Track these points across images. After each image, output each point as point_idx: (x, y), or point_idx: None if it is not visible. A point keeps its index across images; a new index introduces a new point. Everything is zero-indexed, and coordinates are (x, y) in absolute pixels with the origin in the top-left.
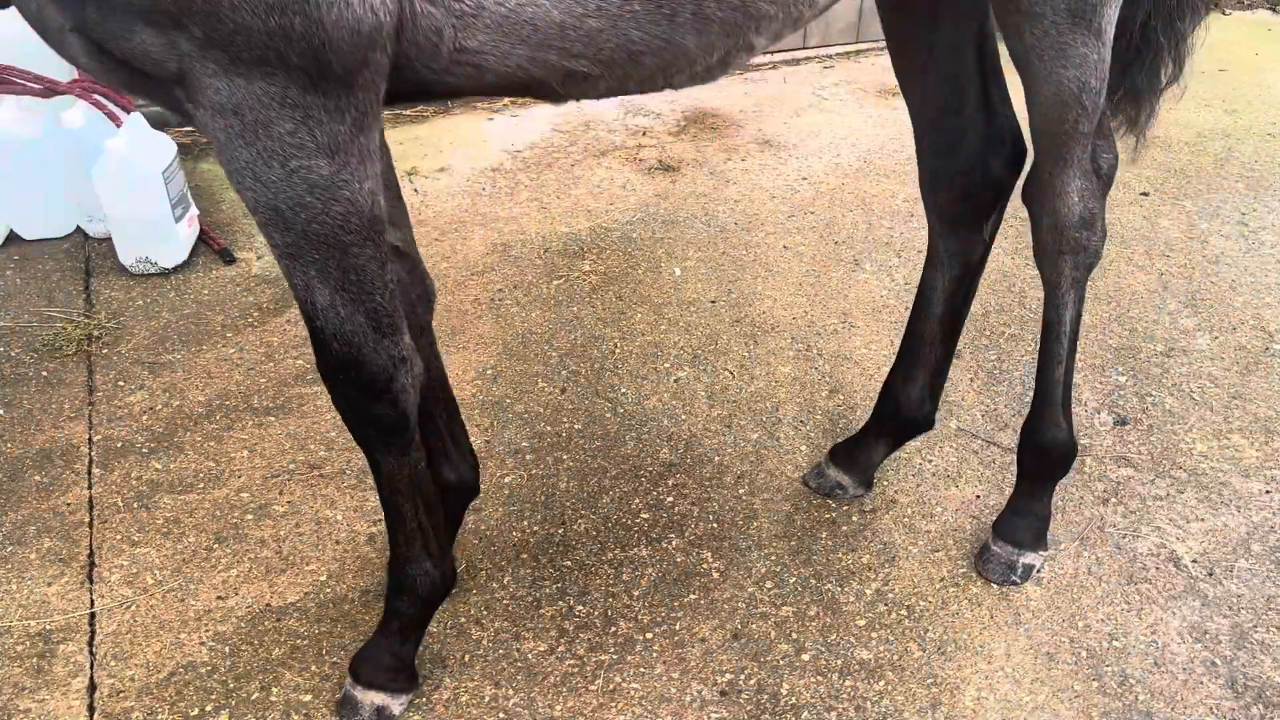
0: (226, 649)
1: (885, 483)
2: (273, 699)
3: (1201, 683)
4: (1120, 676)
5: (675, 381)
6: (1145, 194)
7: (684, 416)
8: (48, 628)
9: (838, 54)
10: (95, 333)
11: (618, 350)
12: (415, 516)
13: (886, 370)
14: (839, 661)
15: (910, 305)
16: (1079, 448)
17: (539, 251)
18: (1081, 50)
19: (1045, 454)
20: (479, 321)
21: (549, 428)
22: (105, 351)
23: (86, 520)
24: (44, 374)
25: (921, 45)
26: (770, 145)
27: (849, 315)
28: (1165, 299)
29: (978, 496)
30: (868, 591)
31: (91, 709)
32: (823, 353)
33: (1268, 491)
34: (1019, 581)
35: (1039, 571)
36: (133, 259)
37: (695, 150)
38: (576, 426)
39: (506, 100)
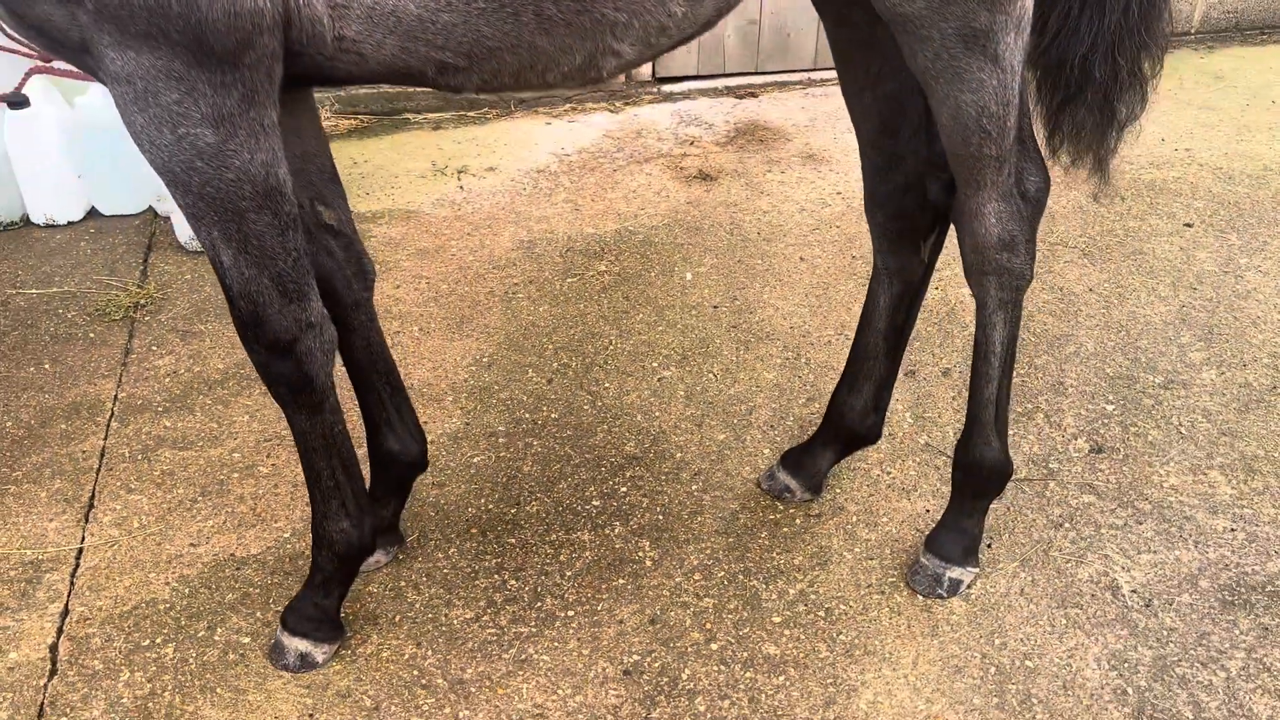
0: (187, 590)
1: (838, 489)
2: (216, 638)
3: (1107, 709)
4: (1023, 695)
5: (659, 380)
6: (1189, 225)
7: (658, 414)
8: (40, 558)
9: None
10: (143, 301)
11: (611, 347)
12: (332, 476)
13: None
14: (745, 654)
15: (920, 326)
16: (1013, 469)
17: (561, 250)
18: (978, 75)
19: (975, 472)
20: (488, 312)
21: (527, 415)
22: (147, 319)
23: (95, 467)
24: (90, 335)
25: (861, 63)
26: (813, 159)
27: (846, 328)
28: (1179, 331)
29: (927, 510)
30: (791, 591)
31: (60, 631)
32: (810, 362)
33: (1232, 529)
34: (945, 595)
35: (968, 587)
36: (186, 236)
37: (738, 161)
38: (553, 415)
39: (567, 105)
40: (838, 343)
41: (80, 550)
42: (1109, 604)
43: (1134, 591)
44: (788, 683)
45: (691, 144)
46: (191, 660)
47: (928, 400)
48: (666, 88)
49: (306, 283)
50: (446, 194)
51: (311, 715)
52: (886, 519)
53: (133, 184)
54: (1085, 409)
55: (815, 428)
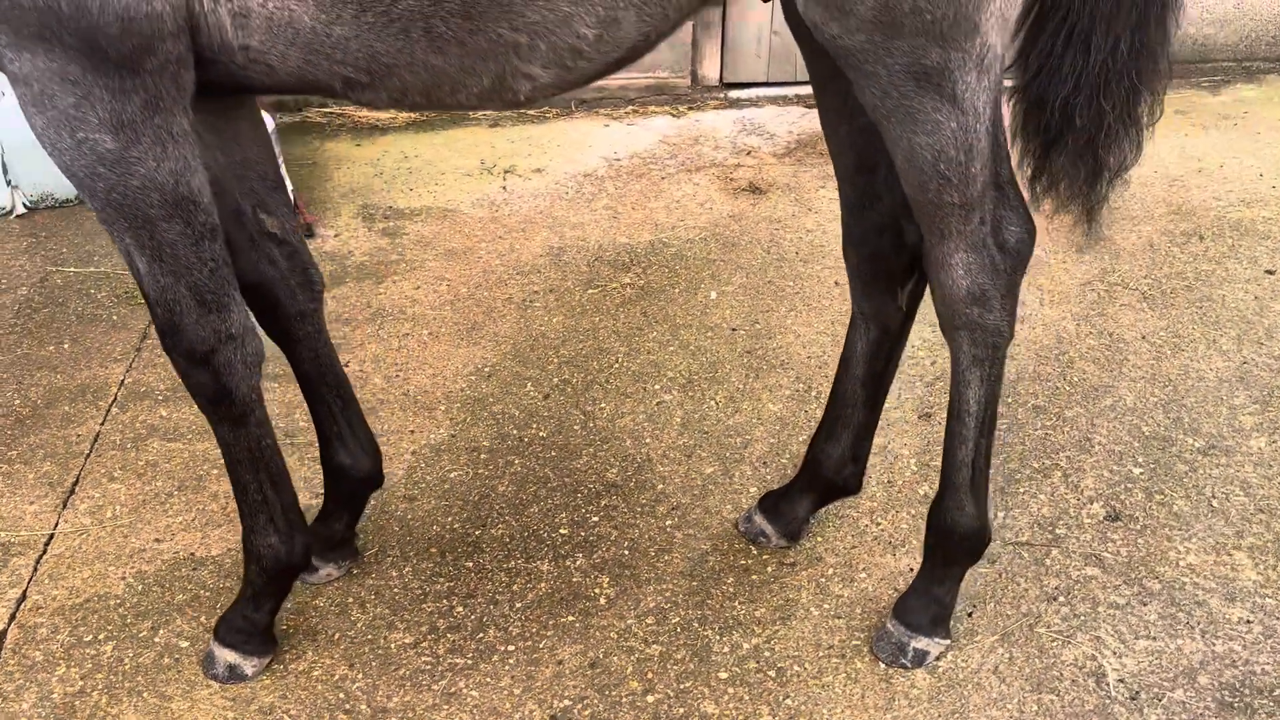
0: (140, 587)
1: (820, 537)
2: (156, 639)
3: None
4: None
5: (657, 404)
6: (1270, 272)
7: (649, 440)
8: (12, 540)
9: None
10: None
11: (617, 365)
12: (260, 490)
13: (883, 420)
14: (681, 710)
15: (940, 361)
16: (990, 536)
17: (590, 260)
18: (934, 117)
19: (947, 538)
20: (501, 320)
21: (514, 431)
22: None
23: (85, 452)
24: (114, 318)
25: (837, 94)
26: None
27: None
28: (1234, 390)
29: (911, 569)
30: (745, 646)
31: (12, 618)
32: (820, 396)
33: (1248, 621)
34: (908, 665)
35: (936, 659)
36: None
37: (793, 175)
38: (541, 434)
39: (630, 107)
40: None
41: (51, 537)
42: (1090, 692)
43: (1121, 681)
44: None
45: (748, 154)
46: (127, 661)
47: (937, 448)
48: (733, 94)
49: (226, 294)
50: (488, 194)
51: None
52: (865, 574)
53: None
54: (1109, 470)
55: None
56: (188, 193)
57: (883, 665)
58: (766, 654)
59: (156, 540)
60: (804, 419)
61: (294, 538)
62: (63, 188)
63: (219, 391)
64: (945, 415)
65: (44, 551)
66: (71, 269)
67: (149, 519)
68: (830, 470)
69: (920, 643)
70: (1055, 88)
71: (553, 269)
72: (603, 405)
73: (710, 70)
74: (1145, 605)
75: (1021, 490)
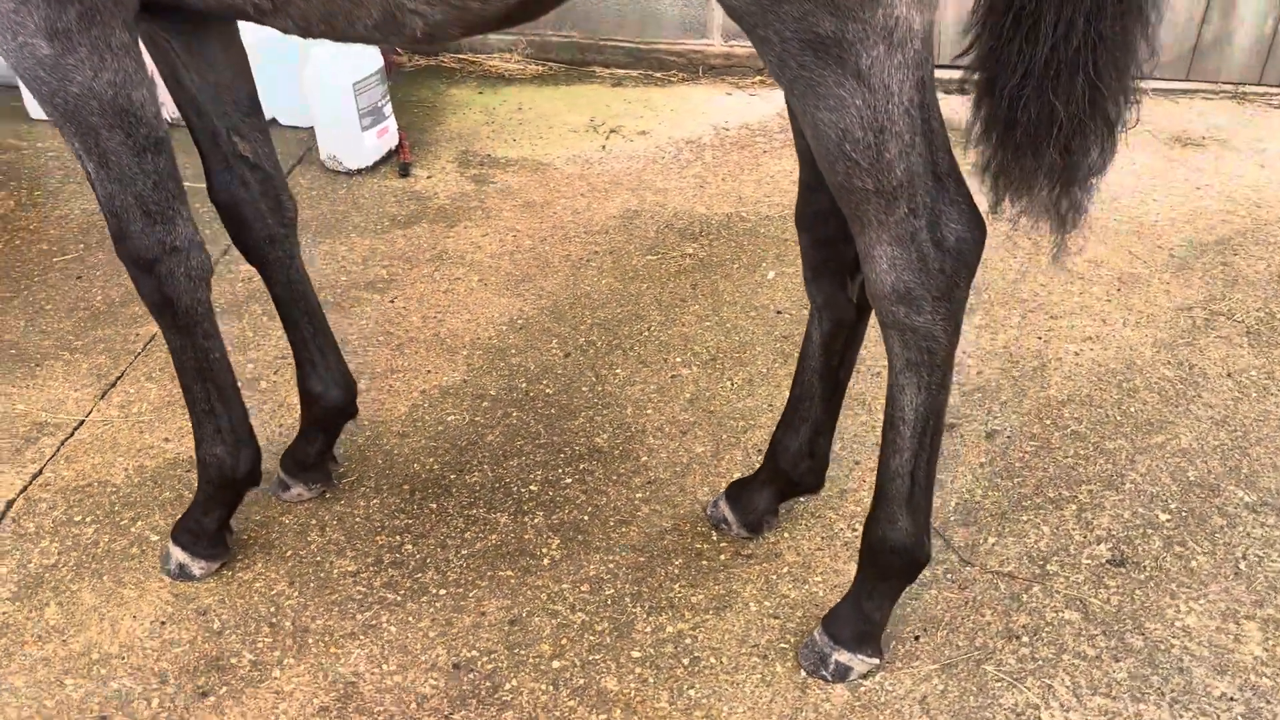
0: (136, 480)
1: (788, 534)
2: (133, 530)
3: None
4: None
5: (672, 377)
6: None
7: (650, 411)
8: (48, 421)
9: (1167, 90)
10: None
11: (647, 333)
12: (206, 400)
13: None
14: (581, 681)
15: (998, 378)
16: (927, 557)
17: (660, 226)
18: (837, 92)
19: (877, 552)
20: (551, 276)
21: (524, 384)
22: None
23: (136, 351)
24: (206, 232)
25: None
26: None
27: None
28: None
29: None
30: (669, 629)
31: (24, 489)
32: (848, 393)
33: (1232, 699)
34: (828, 679)
35: (860, 677)
36: (326, 155)
37: None
38: (548, 391)
39: (758, 77)
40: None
41: (81, 423)
42: None
43: None
44: None
45: None
46: (101, 545)
47: (953, 461)
48: None
49: (172, 207)
50: (585, 152)
51: (162, 622)
52: (820, 579)
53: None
54: (1132, 512)
55: None
56: (127, 105)
57: (804, 673)
58: (688, 641)
59: (165, 440)
60: (866, 404)
61: (240, 452)
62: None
63: (162, 300)
64: (972, 430)
65: (70, 435)
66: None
67: (166, 420)
68: (786, 463)
69: (843, 656)
70: (1003, 76)
71: (620, 231)
72: (618, 371)
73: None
74: (1117, 661)
75: (1024, 518)
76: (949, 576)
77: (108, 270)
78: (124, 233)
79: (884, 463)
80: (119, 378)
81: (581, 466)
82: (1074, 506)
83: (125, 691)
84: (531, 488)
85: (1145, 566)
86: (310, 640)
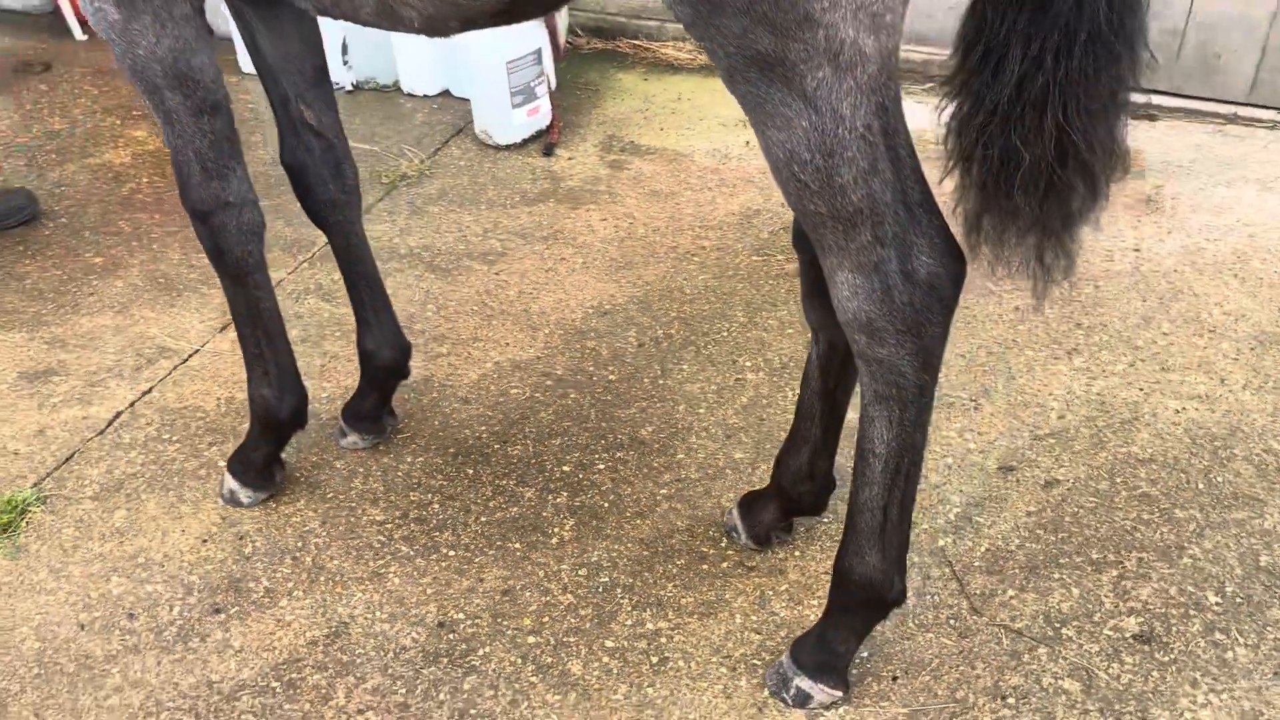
0: (224, 409)
1: (798, 552)
2: (207, 454)
3: None
4: None
5: (735, 379)
6: None
7: (701, 411)
8: (169, 346)
9: None
10: (411, 174)
11: (724, 334)
12: (256, 345)
13: (953, 457)
14: (550, 660)
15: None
16: (905, 597)
17: (776, 228)
18: (783, 111)
19: (843, 585)
20: (653, 266)
21: (591, 368)
22: (405, 189)
23: None
24: None
25: None
26: (1150, 206)
27: (990, 394)
28: None
29: None
30: (649, 626)
31: (132, 404)
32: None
33: None
34: (788, 703)
35: (823, 707)
36: (479, 129)
37: None
38: (611, 378)
39: (929, 85)
40: (964, 406)
41: (196, 351)
42: None
43: None
44: (558, 706)
45: None
46: (177, 463)
47: (998, 505)
48: None
49: (227, 165)
50: (727, 146)
51: (204, 540)
52: (817, 603)
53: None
54: (1180, 588)
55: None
56: (186, 70)
57: (766, 693)
58: (663, 640)
59: None
60: None
61: (284, 396)
62: (386, 73)
63: (215, 249)
64: (1020, 471)
65: (184, 361)
66: (354, 143)
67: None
68: (787, 482)
69: (804, 683)
70: (971, 110)
71: (735, 229)
72: (684, 367)
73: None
74: None
75: (1056, 575)
76: (952, 622)
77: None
78: (185, 185)
79: (854, 493)
80: None
81: (618, 455)
82: (1115, 572)
83: (155, 595)
84: (565, 468)
85: (1173, 648)
86: (322, 578)
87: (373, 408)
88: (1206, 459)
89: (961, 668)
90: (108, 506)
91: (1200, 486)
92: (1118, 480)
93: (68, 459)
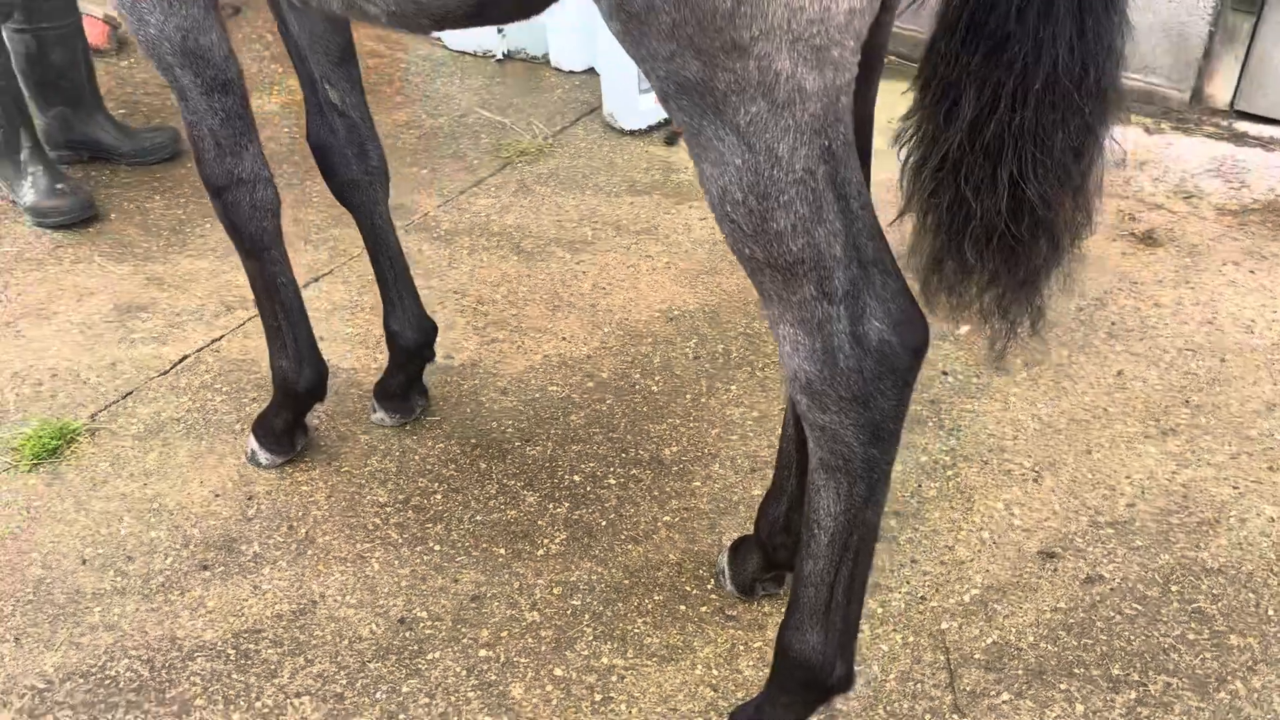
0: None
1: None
2: (247, 409)
3: None
4: None
5: (779, 410)
6: None
7: (734, 438)
8: (248, 297)
9: None
10: (531, 150)
11: None
12: (274, 318)
13: (990, 532)
14: (494, 678)
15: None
16: (851, 684)
17: None
18: (716, 146)
19: (781, 658)
20: (736, 275)
21: (637, 375)
22: (519, 164)
23: (352, 255)
24: (475, 161)
25: None
26: None
27: (1056, 467)
28: None
29: (844, 700)
30: (604, 661)
31: (198, 350)
32: (972, 486)
33: None
34: None
35: None
36: (607, 112)
37: (1218, 238)
38: (653, 388)
39: None
40: (1018, 480)
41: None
42: None
43: None
44: None
45: (1186, 198)
46: (218, 415)
47: (1025, 594)
48: (1243, 126)
49: (239, 142)
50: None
51: (216, 495)
52: None
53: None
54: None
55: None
56: (195, 49)
57: None
58: (614, 678)
59: (320, 339)
60: (919, 489)
61: (302, 369)
62: (537, 45)
63: (230, 225)
64: (1062, 560)
65: (255, 315)
66: (487, 112)
67: (329, 322)
68: (765, 533)
69: None
70: (924, 155)
71: None
72: (732, 388)
73: (1220, 91)
74: None
75: (1062, 687)
76: (927, 716)
77: None
78: (200, 160)
79: (799, 565)
80: (322, 276)
81: (632, 472)
82: (1134, 694)
83: (155, 542)
84: (575, 477)
85: None
86: (309, 552)
87: (400, 387)
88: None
89: None
90: (145, 447)
91: (1270, 613)
92: (1172, 589)
93: (127, 395)
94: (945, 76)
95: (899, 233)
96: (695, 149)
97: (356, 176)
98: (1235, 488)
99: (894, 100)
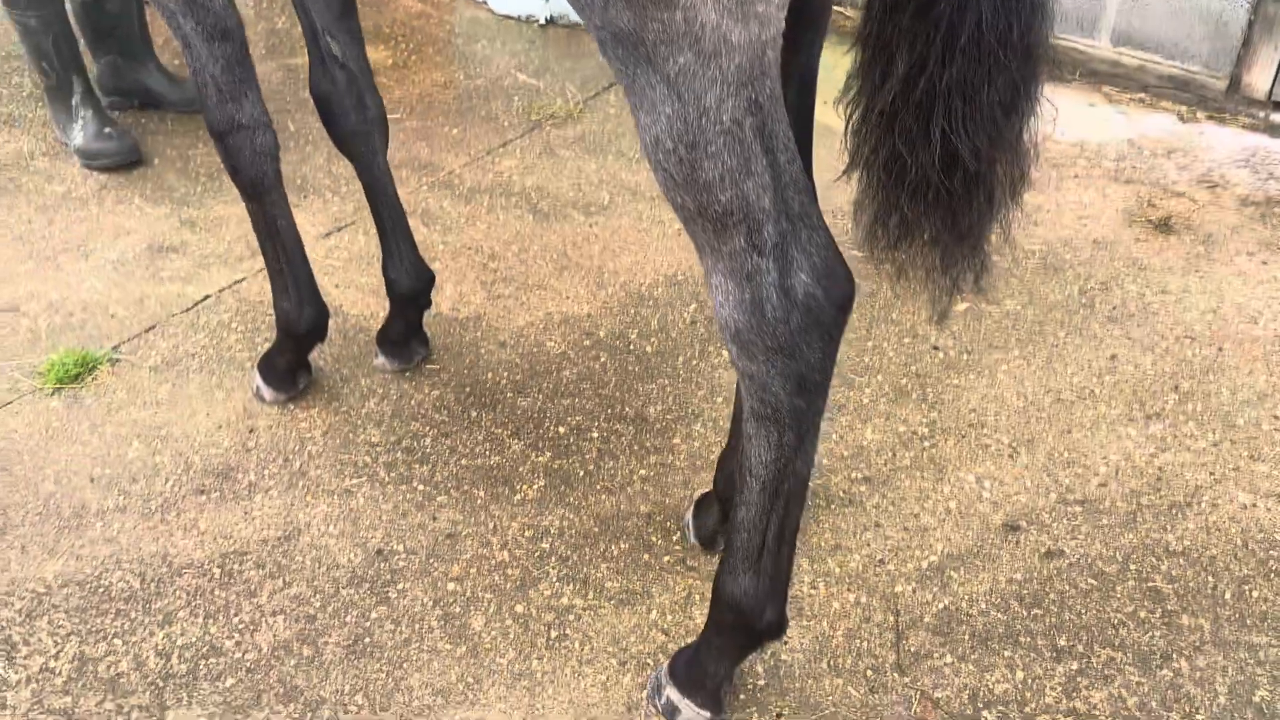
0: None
1: None
2: (259, 349)
3: None
4: None
5: None
6: None
7: (719, 400)
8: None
9: None
10: (560, 115)
11: None
12: (275, 260)
13: (958, 502)
14: (458, 609)
15: (1123, 499)
16: (781, 630)
17: None
18: (648, 93)
19: (716, 603)
20: None
21: (634, 336)
22: (549, 128)
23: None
24: (506, 123)
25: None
26: None
27: (1034, 445)
28: None
29: (785, 661)
30: (564, 601)
31: (220, 291)
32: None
33: None
34: (658, 710)
35: None
36: None
37: (1235, 228)
38: (648, 349)
39: (1141, 95)
40: (993, 455)
41: (327, 234)
42: None
43: None
44: (444, 655)
45: (1210, 188)
46: (231, 352)
47: (981, 563)
48: (1279, 117)
49: (240, 90)
50: None
51: (220, 426)
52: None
53: None
54: (1143, 703)
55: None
56: None
57: (644, 694)
58: (570, 618)
59: (336, 286)
60: (893, 457)
61: (303, 307)
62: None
63: (233, 168)
64: (1025, 534)
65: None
66: (524, 75)
67: (341, 271)
68: (721, 485)
69: (673, 695)
70: (864, 112)
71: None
72: (724, 352)
73: (1259, 80)
74: None
75: (1006, 653)
76: (869, 673)
77: (415, 137)
78: (205, 105)
79: (734, 510)
80: (345, 226)
81: (616, 427)
82: (1075, 665)
83: (158, 466)
84: (560, 429)
85: None
86: (300, 483)
87: (399, 334)
88: (1250, 568)
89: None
90: (159, 379)
91: (1226, 596)
92: (1131, 567)
93: (149, 329)
94: (880, 35)
95: (842, 189)
96: (631, 98)
97: (356, 127)
98: (1212, 474)
99: (836, 60)
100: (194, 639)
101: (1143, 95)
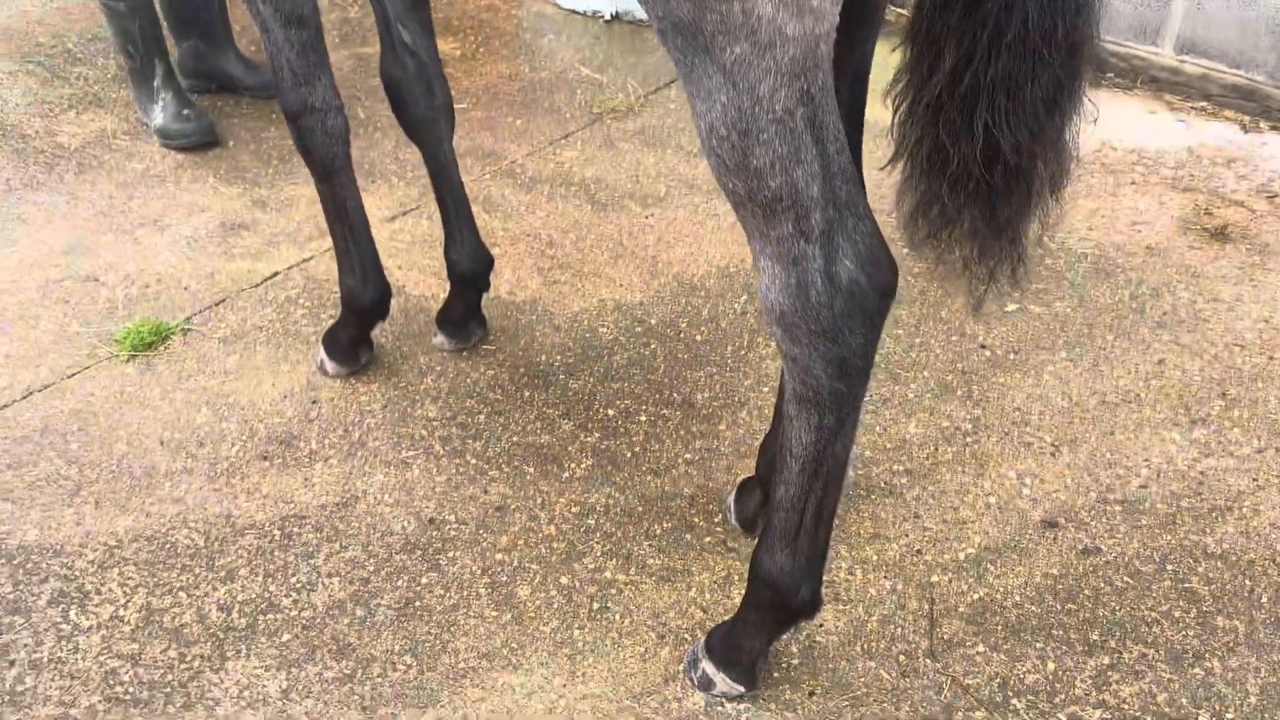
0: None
1: None
2: (324, 325)
3: None
4: None
5: None
6: None
7: (765, 390)
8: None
9: None
10: (621, 108)
11: None
12: (342, 238)
13: (998, 497)
14: (505, 579)
15: (1161, 500)
16: (816, 609)
17: None
18: (705, 82)
19: (753, 580)
20: None
21: (684, 324)
22: (610, 121)
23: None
24: (568, 116)
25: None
26: None
27: (1076, 445)
28: None
29: (817, 644)
30: (606, 575)
31: (289, 268)
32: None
33: None
34: (693, 683)
35: (727, 699)
36: None
37: None
38: (697, 337)
39: (1204, 104)
40: (1035, 453)
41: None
42: None
43: None
44: (490, 621)
45: (1271, 198)
46: (298, 326)
47: (1016, 557)
48: None
49: (313, 74)
50: None
51: (285, 396)
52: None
53: None
54: (1173, 699)
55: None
56: None
57: (681, 667)
58: (613, 591)
59: (398, 268)
60: (935, 451)
61: (367, 285)
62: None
63: (305, 149)
64: (1062, 530)
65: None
66: (587, 70)
67: (404, 254)
68: (763, 469)
69: (709, 668)
70: (911, 105)
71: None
72: (772, 343)
73: None
74: None
75: (1038, 645)
76: (901, 657)
77: (478, 123)
78: (280, 89)
79: (774, 489)
80: (410, 210)
81: (663, 411)
82: (1106, 660)
83: (225, 432)
84: (609, 411)
85: None
86: (358, 453)
87: (459, 314)
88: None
89: (885, 705)
90: (228, 350)
91: (1263, 600)
92: (1168, 568)
93: (220, 302)
94: (929, 32)
95: (891, 181)
96: (689, 87)
97: (424, 113)
98: (1255, 480)
99: (887, 57)
100: (253, 595)
101: (1205, 104)
